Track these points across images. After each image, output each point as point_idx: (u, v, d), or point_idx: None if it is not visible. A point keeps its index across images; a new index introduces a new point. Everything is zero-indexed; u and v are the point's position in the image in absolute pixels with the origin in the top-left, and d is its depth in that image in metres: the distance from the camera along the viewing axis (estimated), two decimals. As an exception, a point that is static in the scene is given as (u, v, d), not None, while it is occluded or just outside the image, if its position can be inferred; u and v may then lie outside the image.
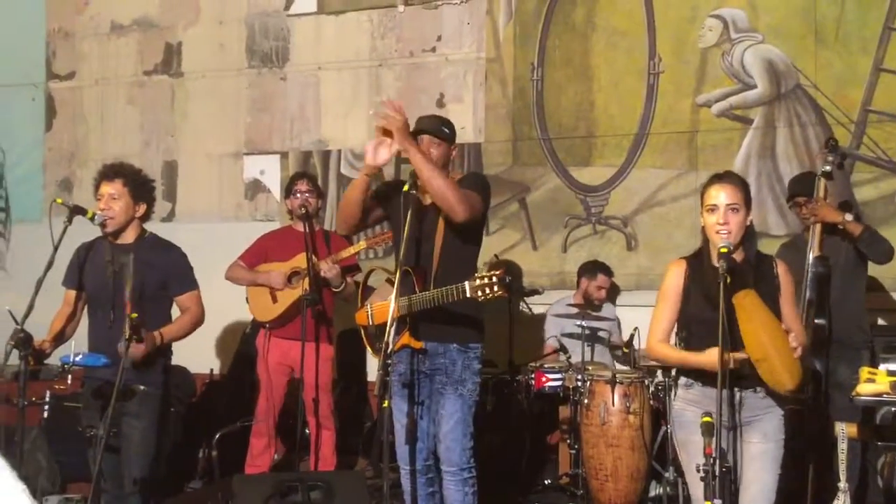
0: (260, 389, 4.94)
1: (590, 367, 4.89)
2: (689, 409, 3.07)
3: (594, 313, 5.23)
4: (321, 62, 6.51)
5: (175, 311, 3.83)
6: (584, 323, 4.99)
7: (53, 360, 3.61)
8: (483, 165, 6.10)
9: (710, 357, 2.94)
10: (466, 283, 3.24)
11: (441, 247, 3.53)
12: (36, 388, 3.51)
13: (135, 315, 3.29)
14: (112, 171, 3.72)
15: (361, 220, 3.67)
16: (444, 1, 6.23)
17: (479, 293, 3.19)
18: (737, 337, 2.95)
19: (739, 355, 2.93)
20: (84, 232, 3.77)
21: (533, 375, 5.03)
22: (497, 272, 3.21)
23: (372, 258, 5.88)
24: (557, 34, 6.01)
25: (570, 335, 5.19)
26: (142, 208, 3.74)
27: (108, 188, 3.67)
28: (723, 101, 5.67)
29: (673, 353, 3.15)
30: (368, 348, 3.75)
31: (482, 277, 3.20)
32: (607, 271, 5.47)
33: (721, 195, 3.05)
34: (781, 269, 3.14)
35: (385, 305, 3.59)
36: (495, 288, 3.17)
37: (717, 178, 3.12)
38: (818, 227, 4.38)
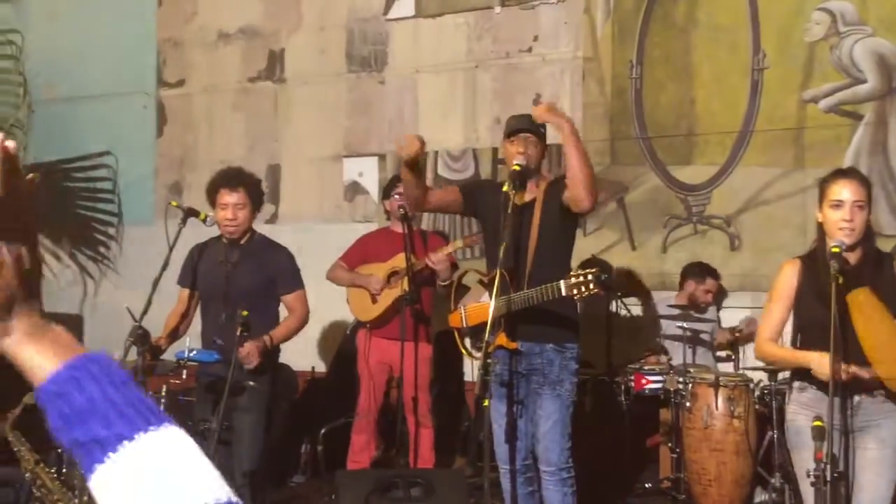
0: (361, 387, 5.03)
1: (692, 370, 4.80)
2: (803, 412, 2.99)
3: (696, 315, 5.13)
4: (419, 65, 6.59)
5: (282, 310, 3.95)
6: (685, 325, 4.90)
7: (168, 355, 3.77)
8: (580, 165, 6.04)
9: (815, 360, 2.86)
10: (562, 282, 3.24)
11: (536, 247, 3.54)
12: (152, 382, 3.67)
13: (246, 312, 3.41)
14: (235, 180, 3.86)
15: (420, 199, 3.73)
16: (541, 1, 6.22)
17: (575, 291, 3.19)
18: (851, 340, 2.86)
19: (855, 369, 2.84)
20: (193, 233, 3.92)
21: (632, 377, 4.98)
22: (593, 270, 3.20)
23: (469, 258, 5.91)
24: (657, 31, 5.92)
25: (671, 337, 5.11)
26: (257, 214, 3.90)
27: (231, 198, 3.80)
28: (831, 97, 5.47)
29: (780, 352, 3.08)
30: (462, 349, 3.78)
31: (577, 276, 3.20)
32: (716, 275, 5.34)
33: (846, 191, 2.94)
34: None
35: (479, 307, 3.62)
36: (591, 286, 3.16)
37: (842, 174, 3.02)
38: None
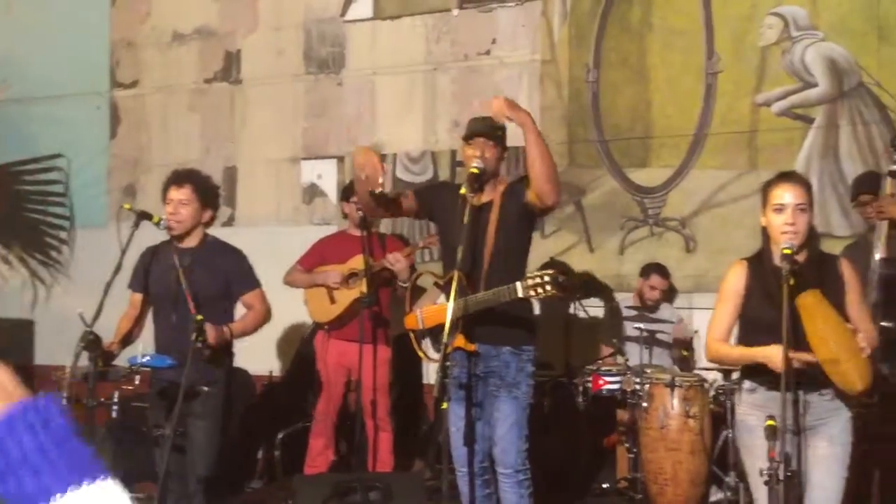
0: (319, 391, 5.00)
1: (648, 370, 4.85)
2: (753, 413, 3.03)
3: (652, 315, 5.18)
4: (377, 67, 6.57)
5: (238, 314, 3.91)
6: (642, 325, 4.95)
7: (121, 361, 3.71)
8: (538, 168, 6.07)
9: (771, 351, 2.90)
10: (518, 283, 3.25)
11: (492, 249, 3.55)
12: (104, 388, 3.60)
13: (200, 317, 3.37)
14: (182, 177, 3.81)
15: (377, 208, 3.69)
16: (499, 4, 6.24)
17: (532, 293, 3.20)
18: (801, 339, 2.90)
19: (804, 355, 2.88)
20: (148, 237, 3.86)
21: (590, 378, 5.01)
22: (550, 271, 3.21)
23: (427, 261, 5.90)
24: (613, 35, 5.97)
25: (628, 338, 5.15)
26: (207, 214, 3.83)
27: (177, 194, 3.76)
28: (783, 100, 5.57)
29: (733, 351, 3.12)
30: (419, 352, 3.77)
31: (535, 277, 3.21)
32: (662, 272, 5.40)
33: (787, 195, 3.00)
34: (846, 268, 3.08)
35: (435, 309, 3.61)
36: (548, 287, 3.18)
37: (784, 178, 3.07)
38: (884, 227, 4.28)
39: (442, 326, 3.31)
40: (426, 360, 3.81)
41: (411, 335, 3.79)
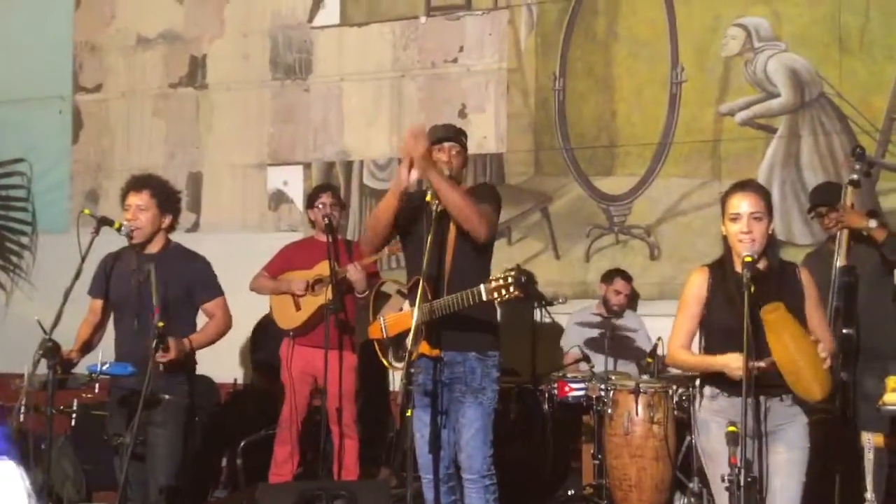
0: (284, 398, 4.96)
1: (613, 377, 4.87)
2: (715, 419, 3.06)
3: (616, 322, 5.21)
4: (344, 73, 6.55)
5: (201, 320, 3.87)
6: (607, 332, 4.97)
7: (80, 368, 3.65)
8: (505, 175, 6.11)
9: (730, 360, 2.93)
10: (482, 286, 3.25)
11: (454, 254, 3.54)
12: (63, 396, 3.53)
13: (161, 324, 3.33)
14: (140, 183, 3.77)
15: (387, 238, 3.71)
16: (466, 12, 6.26)
17: (496, 294, 3.20)
18: (762, 345, 2.94)
19: (761, 363, 2.91)
20: (110, 242, 3.81)
21: (556, 385, 5.02)
22: (511, 272, 3.21)
23: (395, 268, 5.89)
24: (579, 44, 6.02)
25: (593, 344, 5.17)
26: (168, 219, 3.79)
27: (135, 199, 3.72)
28: (746, 110, 5.64)
29: (692, 358, 3.15)
30: (383, 361, 3.76)
31: (497, 279, 3.21)
32: (625, 276, 5.45)
33: (743, 204, 3.04)
34: (805, 277, 3.12)
35: (399, 316, 3.61)
36: (511, 288, 3.18)
37: (739, 187, 3.11)
38: (844, 235, 4.35)
39: (406, 334, 3.30)
40: (391, 369, 3.79)
41: (375, 344, 3.78)
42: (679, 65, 5.76)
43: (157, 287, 3.45)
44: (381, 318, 3.71)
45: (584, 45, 6.01)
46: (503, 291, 3.19)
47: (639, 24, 5.88)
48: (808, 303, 3.09)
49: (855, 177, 4.38)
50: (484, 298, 3.25)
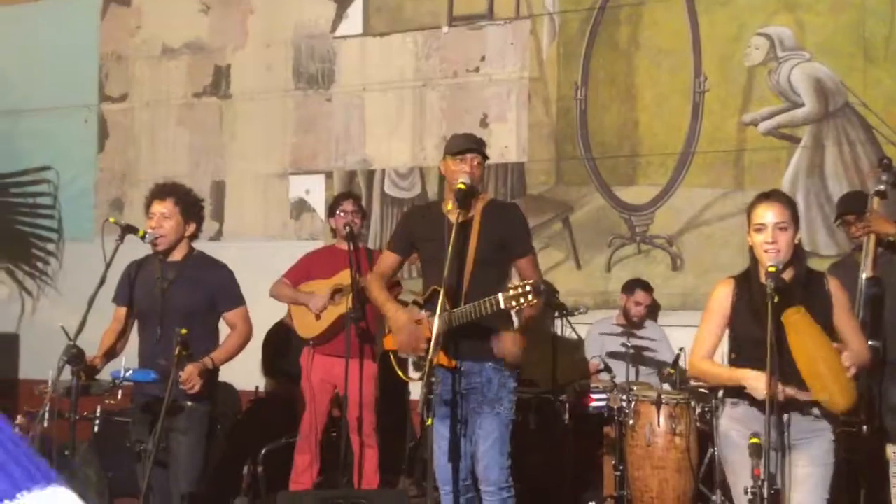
0: (304, 407, 4.97)
1: (635, 388, 4.84)
2: (735, 428, 3.03)
3: (638, 332, 5.18)
4: (366, 83, 6.58)
5: (223, 328, 3.89)
6: (629, 342, 4.95)
7: (104, 375, 3.68)
8: (526, 185, 6.10)
9: (754, 377, 2.91)
10: (500, 294, 3.25)
11: (473, 265, 3.54)
12: (87, 403, 3.56)
13: (184, 331, 3.35)
14: (164, 191, 3.80)
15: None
16: (488, 22, 6.27)
17: (514, 303, 3.20)
18: (786, 358, 2.91)
19: (791, 392, 2.89)
20: (135, 250, 3.85)
21: (577, 395, 5.00)
22: (530, 280, 3.21)
23: (415, 276, 5.90)
24: (601, 54, 6.01)
25: (615, 354, 5.15)
26: (191, 227, 3.81)
27: (159, 207, 3.75)
28: (770, 120, 5.60)
29: (714, 369, 3.13)
30: (398, 371, 3.76)
31: (516, 287, 3.21)
32: (646, 287, 5.41)
33: (768, 214, 3.03)
34: (833, 285, 3.09)
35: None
36: (530, 297, 3.17)
37: (764, 197, 3.10)
38: (871, 245, 4.30)
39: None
40: (406, 380, 3.79)
41: (391, 354, 3.78)
42: (702, 74, 5.74)
43: (177, 295, 3.48)
44: None
45: (606, 54, 6.00)
46: (521, 300, 3.19)
47: (661, 33, 5.86)
48: (838, 310, 3.05)
49: (882, 187, 4.34)
50: (502, 306, 3.25)
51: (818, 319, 2.96)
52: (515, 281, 3.36)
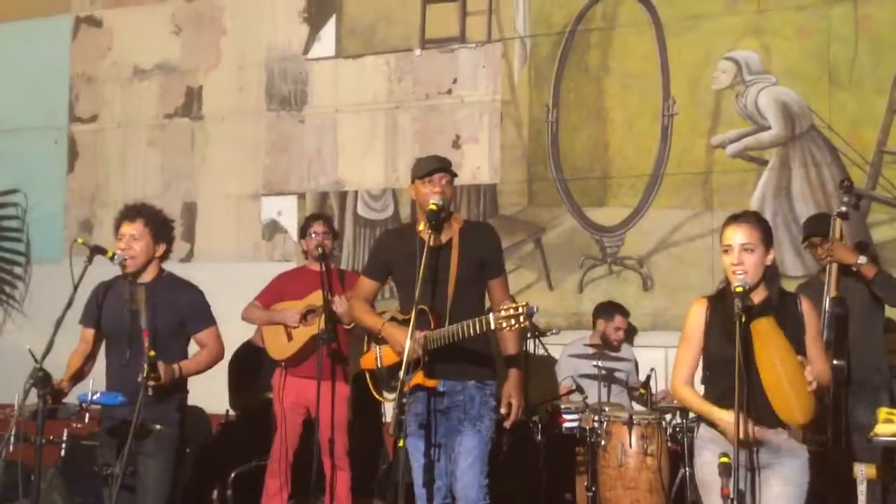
0: (275, 429, 4.93)
1: (607, 408, 4.86)
2: (709, 448, 3.05)
3: (612, 354, 5.21)
4: (339, 105, 6.60)
5: (192, 350, 3.85)
6: (600, 363, 4.97)
7: (71, 398, 3.63)
8: (498, 206, 6.13)
9: (725, 419, 2.95)
10: (491, 315, 3.26)
11: (455, 285, 3.56)
12: (54, 426, 3.52)
13: (153, 353, 3.32)
14: (133, 212, 3.77)
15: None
16: (460, 45, 6.33)
17: (505, 324, 3.21)
18: (754, 379, 2.94)
19: (759, 432, 2.93)
20: (104, 272, 3.81)
21: (549, 416, 5.00)
22: (523, 304, 3.23)
23: (387, 297, 5.90)
24: (572, 77, 6.08)
25: (587, 376, 5.16)
26: (161, 248, 3.79)
27: (129, 228, 3.72)
28: (737, 143, 5.69)
29: (693, 401, 3.14)
30: (374, 393, 3.75)
31: (508, 308, 3.22)
32: (624, 312, 5.46)
33: (736, 235, 3.06)
34: (806, 307, 3.13)
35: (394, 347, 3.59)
36: (521, 319, 3.19)
37: (733, 219, 3.13)
38: (834, 268, 4.38)
39: (401, 364, 3.30)
40: (382, 400, 3.78)
41: (367, 375, 3.77)
42: (671, 97, 5.82)
43: (146, 309, 3.45)
44: (377, 348, 3.70)
45: (576, 77, 6.07)
46: (512, 321, 3.20)
47: (631, 57, 5.95)
48: (809, 333, 3.09)
49: (843, 209, 4.42)
50: (493, 326, 3.27)
51: (791, 339, 2.99)
52: (507, 302, 3.37)
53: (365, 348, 3.79)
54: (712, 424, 3.06)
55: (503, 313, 3.22)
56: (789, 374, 2.92)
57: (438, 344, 3.43)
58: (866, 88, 5.45)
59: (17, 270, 7.20)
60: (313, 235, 4.94)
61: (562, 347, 5.56)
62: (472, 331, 3.33)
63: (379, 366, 3.69)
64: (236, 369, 5.58)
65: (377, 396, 3.72)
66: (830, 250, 4.36)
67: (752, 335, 2.94)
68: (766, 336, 2.94)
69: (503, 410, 3.64)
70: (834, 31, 5.53)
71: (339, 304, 4.70)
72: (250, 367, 5.51)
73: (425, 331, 3.45)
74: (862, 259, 4.36)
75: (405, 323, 3.49)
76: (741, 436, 2.82)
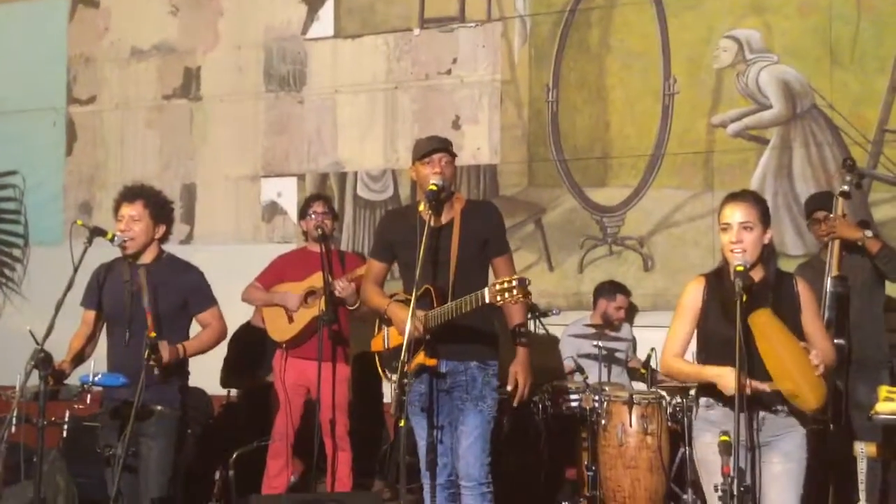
0: (277, 410, 4.95)
1: (607, 388, 4.87)
2: (710, 429, 3.06)
3: (612, 333, 5.21)
4: (338, 85, 6.57)
5: (194, 331, 3.86)
6: (601, 343, 4.98)
7: (73, 380, 3.64)
8: (499, 186, 6.12)
9: (723, 373, 2.94)
10: (486, 289, 3.27)
11: (457, 265, 3.56)
12: (55, 408, 3.52)
13: (154, 335, 3.32)
14: (132, 193, 3.77)
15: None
16: (460, 24, 6.29)
17: (499, 298, 3.21)
18: (755, 356, 2.94)
19: (757, 384, 2.92)
20: (104, 254, 3.81)
21: (550, 396, 5.02)
22: (515, 276, 3.23)
23: (389, 279, 5.89)
24: (572, 56, 6.04)
25: (587, 356, 5.17)
26: (161, 230, 3.78)
27: (128, 210, 3.72)
28: (738, 122, 5.67)
29: (686, 367, 3.15)
30: (382, 374, 3.76)
31: (501, 282, 3.22)
32: (625, 291, 5.46)
33: (734, 214, 3.06)
34: (802, 286, 3.13)
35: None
36: (515, 291, 3.18)
37: (731, 198, 3.13)
38: (836, 246, 4.37)
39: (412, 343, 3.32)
40: (391, 382, 3.78)
41: (376, 356, 3.79)
42: (672, 76, 5.79)
43: (147, 291, 3.45)
44: (385, 329, 3.72)
45: (577, 56, 6.03)
46: (506, 294, 3.20)
47: (631, 36, 5.91)
48: (805, 313, 3.09)
49: (845, 188, 4.41)
50: (487, 301, 3.27)
51: (786, 320, 2.99)
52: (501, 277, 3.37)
53: (375, 331, 3.81)
54: (713, 395, 3.04)
55: (497, 287, 3.22)
56: (796, 362, 2.92)
57: (438, 321, 3.43)
58: (868, 67, 5.42)
59: (16, 253, 7.18)
60: (313, 216, 4.93)
61: (562, 328, 5.57)
62: (468, 306, 3.33)
63: (386, 347, 3.71)
64: (235, 350, 5.58)
65: (385, 378, 3.73)
66: (833, 227, 4.35)
67: (753, 330, 2.93)
68: (766, 329, 2.93)
69: (509, 387, 3.65)
70: (835, 10, 5.49)
71: (341, 288, 4.69)
72: (249, 349, 5.51)
73: (426, 311, 3.46)
74: (868, 233, 4.35)
75: (409, 303, 3.49)
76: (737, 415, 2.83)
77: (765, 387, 2.94)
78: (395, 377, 3.51)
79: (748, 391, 2.89)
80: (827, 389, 2.99)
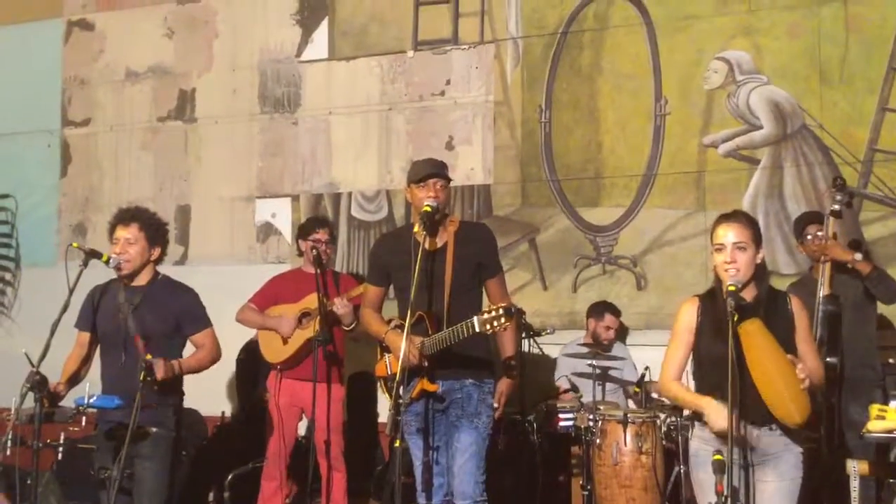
0: (271, 431, 4.94)
1: (601, 407, 4.88)
2: (705, 447, 3.07)
3: (605, 353, 5.23)
4: (332, 107, 6.61)
5: (188, 353, 3.86)
6: (595, 362, 4.99)
7: (68, 402, 3.64)
8: (492, 206, 6.15)
9: (714, 409, 2.96)
10: (475, 318, 3.32)
11: (451, 288, 3.60)
12: (50, 430, 3.53)
13: (149, 356, 3.33)
14: (128, 216, 3.78)
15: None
16: (453, 46, 6.34)
17: (488, 326, 3.28)
18: (746, 379, 2.95)
19: (747, 432, 2.95)
20: (97, 276, 3.82)
21: (545, 415, 5.02)
22: (503, 304, 3.30)
23: (392, 298, 5.90)
24: (564, 78, 6.10)
25: (582, 375, 5.18)
26: (156, 252, 3.80)
27: (124, 232, 3.73)
28: (729, 142, 5.72)
29: (680, 393, 3.17)
30: (389, 399, 3.77)
31: (489, 311, 3.29)
32: (614, 311, 5.48)
33: (728, 234, 3.09)
34: (796, 305, 3.15)
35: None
36: (502, 319, 3.27)
37: (724, 218, 3.16)
38: (828, 265, 4.40)
39: (408, 370, 3.36)
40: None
41: (381, 383, 3.82)
42: (663, 97, 5.84)
43: (132, 315, 3.46)
44: (386, 356, 3.75)
45: (569, 78, 6.09)
46: (495, 323, 3.28)
47: (623, 57, 5.97)
48: (799, 331, 3.12)
49: (836, 207, 4.45)
50: (477, 329, 3.33)
51: (779, 338, 3.01)
52: (489, 304, 3.43)
53: (378, 356, 3.84)
54: (700, 418, 3.07)
55: (485, 316, 3.31)
56: (782, 374, 2.94)
57: (434, 350, 3.48)
58: (857, 87, 5.48)
59: (7, 276, 7.18)
60: (313, 242, 4.93)
61: (557, 347, 5.58)
62: (459, 336, 3.39)
63: (389, 373, 3.74)
64: (245, 369, 5.59)
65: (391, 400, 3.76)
66: (824, 248, 4.39)
67: (741, 338, 2.95)
68: (755, 338, 2.96)
69: (494, 403, 3.71)
70: (824, 31, 5.56)
71: (341, 306, 4.70)
72: (255, 367, 5.52)
73: (422, 338, 3.50)
74: (857, 255, 4.39)
75: (403, 327, 3.52)
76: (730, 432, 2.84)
77: (755, 434, 2.96)
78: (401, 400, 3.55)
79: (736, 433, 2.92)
80: (811, 406, 3.00)
